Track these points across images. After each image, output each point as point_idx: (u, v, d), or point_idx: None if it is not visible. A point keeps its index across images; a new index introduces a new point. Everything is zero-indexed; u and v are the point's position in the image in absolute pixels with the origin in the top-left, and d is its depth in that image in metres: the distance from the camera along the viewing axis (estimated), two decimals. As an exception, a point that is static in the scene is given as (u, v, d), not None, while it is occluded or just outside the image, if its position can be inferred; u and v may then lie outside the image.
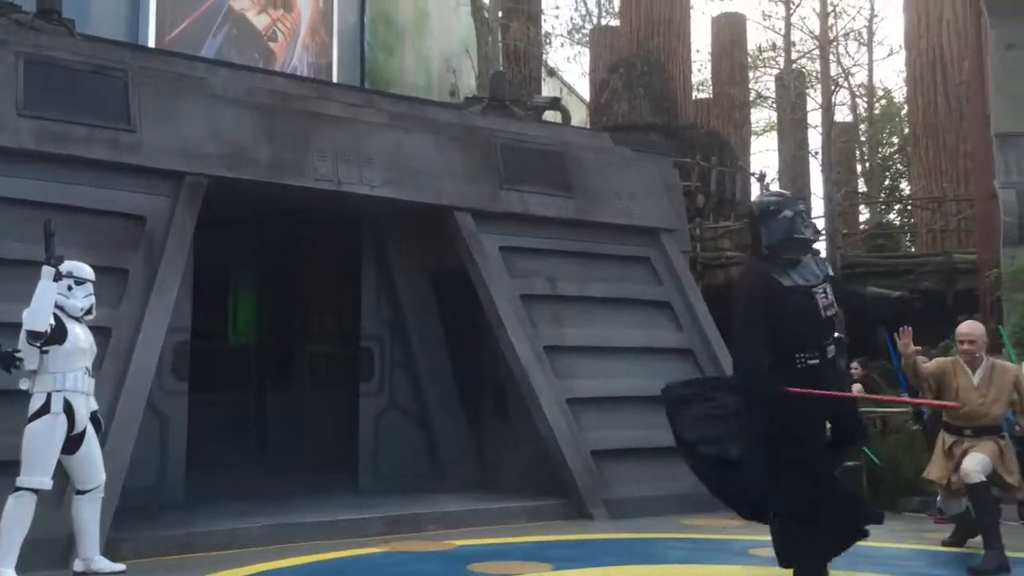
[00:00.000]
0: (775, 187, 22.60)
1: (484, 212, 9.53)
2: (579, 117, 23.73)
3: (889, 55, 25.78)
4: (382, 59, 16.80)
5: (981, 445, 6.27)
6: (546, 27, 23.29)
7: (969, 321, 6.99)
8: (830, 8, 23.01)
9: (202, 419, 8.84)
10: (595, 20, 26.45)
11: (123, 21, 12.23)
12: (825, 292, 4.85)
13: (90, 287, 5.97)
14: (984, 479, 6.19)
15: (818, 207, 21.28)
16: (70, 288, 5.83)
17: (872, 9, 24.74)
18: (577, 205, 10.11)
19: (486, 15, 16.73)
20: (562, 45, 27.22)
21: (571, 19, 26.76)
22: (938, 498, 6.95)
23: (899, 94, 25.03)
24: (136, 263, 7.39)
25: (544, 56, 21.74)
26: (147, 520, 7.08)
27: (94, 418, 5.88)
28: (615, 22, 23.57)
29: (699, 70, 26.84)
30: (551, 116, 13.28)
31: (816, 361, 4.74)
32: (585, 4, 26.89)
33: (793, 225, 4.88)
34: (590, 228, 10.17)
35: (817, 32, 22.84)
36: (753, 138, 26.33)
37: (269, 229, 10.63)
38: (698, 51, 26.04)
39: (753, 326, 4.81)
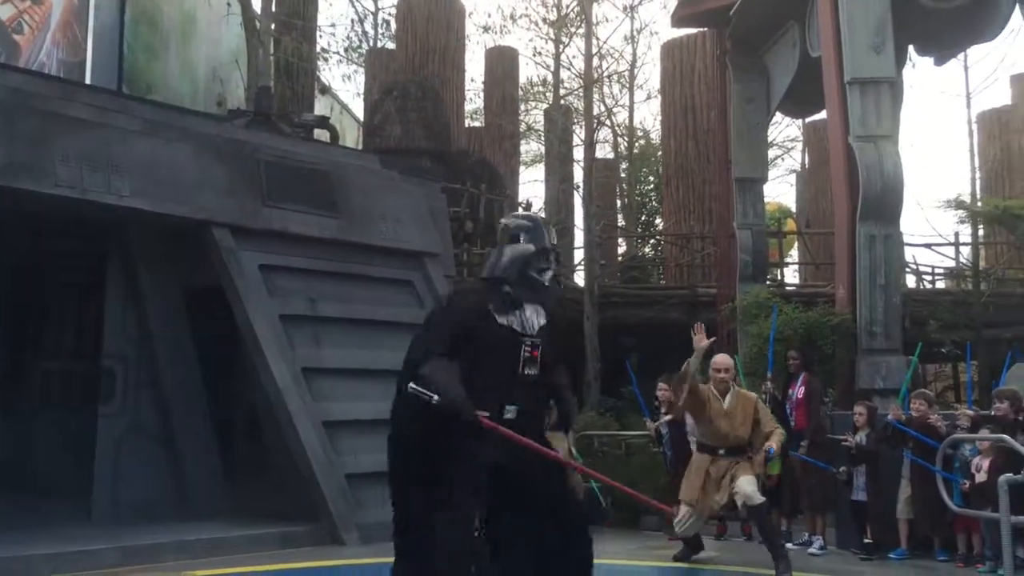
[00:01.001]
0: (543, 216, 23.51)
1: (244, 228, 9.24)
2: (353, 137, 23.60)
3: (648, 99, 27.26)
4: (143, 62, 15.95)
5: (742, 467, 6.90)
6: (322, 43, 23.00)
7: (723, 354, 7.59)
8: (595, 50, 24.31)
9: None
10: (372, 42, 26.43)
11: None
12: (532, 347, 4.16)
13: None
14: (764, 499, 6.87)
15: (579, 238, 22.28)
16: None
17: (634, 55, 26.11)
18: (341, 226, 10.02)
19: (257, 26, 16.29)
20: (338, 63, 26.93)
21: (348, 38, 26.55)
22: (677, 519, 7.15)
23: (656, 136, 26.67)
24: None
25: (318, 73, 21.42)
26: None
27: None
28: (392, 45, 23.66)
29: (472, 99, 27.47)
30: (320, 135, 13.13)
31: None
32: (362, 24, 26.82)
33: (531, 261, 4.24)
34: (354, 249, 10.11)
35: (583, 72, 24.07)
36: (522, 168, 27.17)
37: (2, 235, 9.75)
38: (472, 80, 26.65)
39: (438, 331, 4.16)
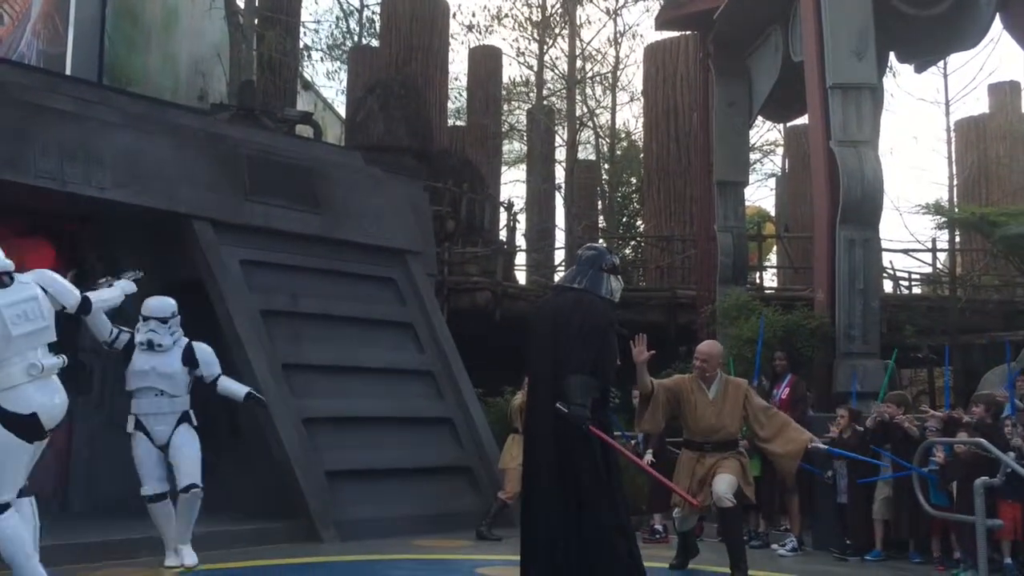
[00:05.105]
0: (523, 218, 23.53)
1: (225, 223, 9.21)
2: (335, 134, 23.51)
3: (630, 101, 27.41)
4: (124, 55, 15.83)
5: (726, 464, 6.42)
6: (305, 40, 22.93)
7: (708, 340, 7.43)
8: (579, 52, 24.40)
9: None
10: (356, 39, 26.35)
11: None
12: None
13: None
14: (735, 502, 6.35)
15: (560, 238, 22.33)
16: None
17: (617, 57, 26.21)
18: (323, 222, 9.99)
19: (241, 20, 16.22)
20: (321, 60, 26.81)
21: (331, 35, 26.47)
22: (675, 513, 7.03)
23: (638, 138, 26.76)
24: None
25: (301, 69, 21.35)
26: None
27: None
28: (376, 43, 23.59)
29: (455, 98, 27.45)
30: (303, 131, 13.09)
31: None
32: (347, 21, 26.75)
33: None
34: (336, 246, 10.09)
35: (566, 73, 24.13)
36: (504, 168, 27.20)
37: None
38: (456, 79, 26.64)
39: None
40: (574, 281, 5.26)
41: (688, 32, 17.12)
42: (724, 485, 6.32)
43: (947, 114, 22.94)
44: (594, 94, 26.79)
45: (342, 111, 23.99)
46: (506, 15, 25.05)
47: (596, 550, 4.79)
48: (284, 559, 7.29)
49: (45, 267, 5.51)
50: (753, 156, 25.26)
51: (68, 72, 13.31)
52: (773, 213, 25.62)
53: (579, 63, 24.68)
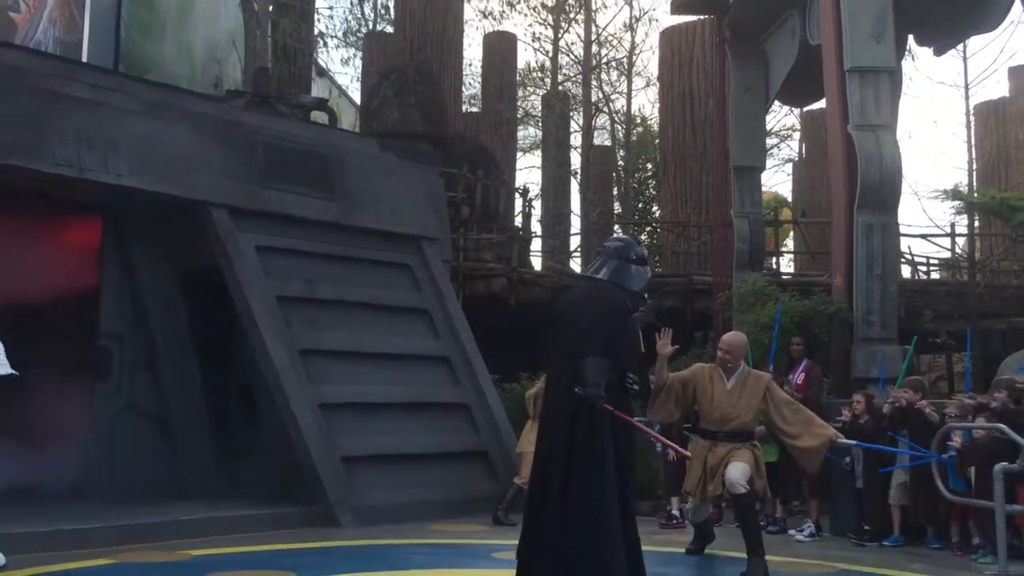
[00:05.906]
0: (538, 204, 23.49)
1: (241, 209, 9.24)
2: (349, 121, 23.51)
3: (646, 86, 27.19)
4: (140, 43, 15.87)
5: (739, 453, 6.43)
6: (320, 26, 22.90)
7: (732, 332, 7.45)
8: (594, 37, 24.30)
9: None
10: (370, 25, 26.32)
11: None
12: None
13: None
14: (748, 488, 6.36)
15: (576, 224, 22.29)
16: None
17: (633, 42, 26.07)
18: (339, 208, 10.01)
19: (255, 7, 16.22)
20: (336, 47, 26.81)
21: (346, 20, 26.44)
22: (687, 504, 7.06)
23: (654, 123, 26.63)
24: None
25: (316, 56, 21.34)
26: None
27: None
28: (390, 29, 23.55)
29: (470, 84, 27.40)
30: (318, 117, 13.08)
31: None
32: (361, 8, 26.70)
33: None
34: (351, 232, 10.11)
35: (582, 58, 24.04)
36: (519, 155, 27.11)
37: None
38: (470, 65, 26.57)
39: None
40: (598, 272, 5.24)
41: (704, 16, 17.00)
42: (737, 472, 6.35)
43: (966, 98, 22.77)
44: (610, 79, 26.72)
45: (357, 98, 24.00)
46: (521, 0, 24.97)
47: (556, 540, 4.70)
48: (301, 543, 7.34)
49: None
50: (770, 141, 25.12)
51: (84, 60, 13.36)
52: (790, 198, 25.49)
53: (594, 48, 24.61)
